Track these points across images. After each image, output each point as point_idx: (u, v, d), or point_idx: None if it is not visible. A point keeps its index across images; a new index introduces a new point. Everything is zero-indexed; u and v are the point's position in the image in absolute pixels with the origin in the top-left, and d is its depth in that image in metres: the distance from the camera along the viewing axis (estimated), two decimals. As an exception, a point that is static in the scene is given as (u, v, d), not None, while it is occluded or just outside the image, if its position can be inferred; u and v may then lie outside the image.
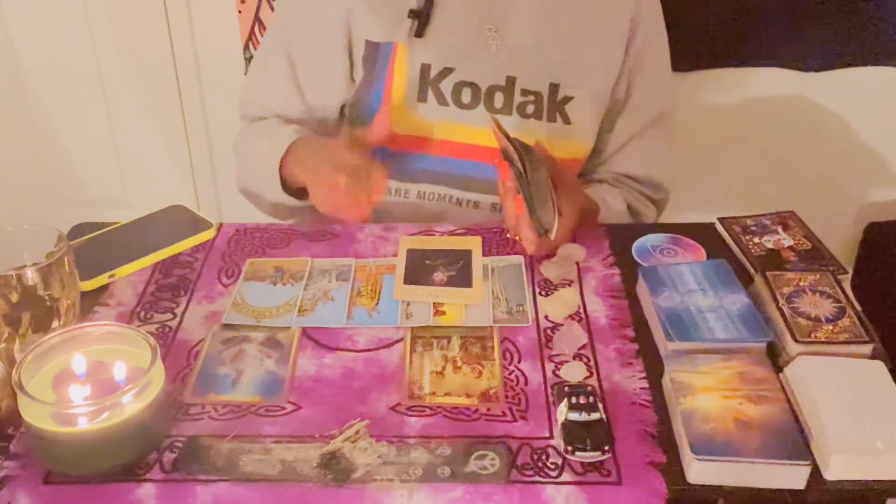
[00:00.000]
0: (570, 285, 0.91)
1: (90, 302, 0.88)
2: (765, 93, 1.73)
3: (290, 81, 1.12)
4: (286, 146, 1.04)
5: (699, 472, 0.68)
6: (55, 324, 0.78)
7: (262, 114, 1.16)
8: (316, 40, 1.10)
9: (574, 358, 0.81)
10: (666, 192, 1.21)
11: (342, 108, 1.16)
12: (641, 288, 0.89)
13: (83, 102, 1.85)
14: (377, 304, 0.89)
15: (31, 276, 0.76)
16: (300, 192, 1.06)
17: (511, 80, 1.07)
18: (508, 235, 0.98)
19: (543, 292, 0.91)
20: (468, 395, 0.77)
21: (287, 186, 1.06)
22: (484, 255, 0.96)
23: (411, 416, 0.74)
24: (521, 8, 1.07)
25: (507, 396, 0.77)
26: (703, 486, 0.68)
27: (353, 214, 0.97)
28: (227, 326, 0.85)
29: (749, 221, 1.01)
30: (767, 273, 0.87)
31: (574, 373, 0.79)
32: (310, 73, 1.12)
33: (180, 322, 0.86)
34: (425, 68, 1.06)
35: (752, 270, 0.93)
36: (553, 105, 1.09)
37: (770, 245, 0.96)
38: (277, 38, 1.13)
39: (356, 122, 1.14)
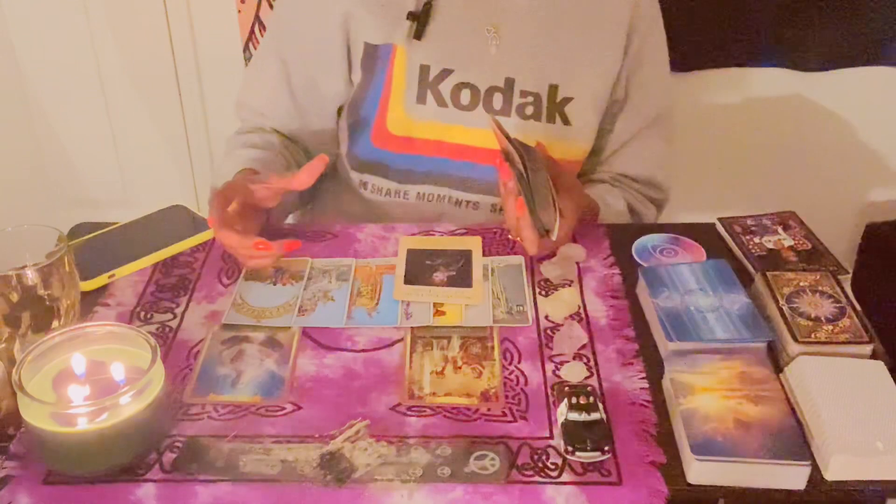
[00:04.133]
0: (570, 285, 0.91)
1: (90, 302, 0.88)
2: (765, 93, 1.73)
3: (283, 85, 1.11)
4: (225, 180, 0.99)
5: (699, 472, 0.68)
6: (55, 324, 0.78)
7: (253, 118, 1.15)
8: (314, 43, 1.10)
9: (574, 358, 0.81)
10: (666, 191, 1.21)
11: (339, 111, 1.16)
12: (641, 288, 0.89)
13: (83, 102, 1.86)
14: (377, 304, 0.88)
15: (31, 276, 0.76)
16: None
17: (510, 82, 1.07)
18: (510, 236, 0.98)
19: (543, 292, 0.91)
20: (468, 395, 0.77)
21: None
22: (484, 255, 0.96)
23: (411, 416, 0.74)
24: (519, 9, 1.07)
25: (507, 396, 0.77)
26: (703, 486, 0.68)
27: (246, 261, 0.92)
28: (227, 326, 0.85)
29: (749, 221, 1.01)
30: (767, 273, 0.87)
31: (574, 373, 0.79)
32: (304, 77, 1.11)
33: (180, 322, 0.86)
34: (424, 70, 1.06)
35: (752, 270, 0.93)
36: (552, 106, 1.09)
37: (770, 245, 0.96)
38: (273, 41, 1.13)
39: (354, 125, 1.14)
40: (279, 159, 1.09)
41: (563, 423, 0.72)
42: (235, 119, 1.19)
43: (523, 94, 1.08)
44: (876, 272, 1.76)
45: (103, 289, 0.91)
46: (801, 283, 0.85)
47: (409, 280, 0.91)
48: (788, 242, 0.96)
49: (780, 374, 0.77)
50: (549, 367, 0.80)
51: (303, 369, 0.80)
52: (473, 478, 0.68)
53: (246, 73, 1.23)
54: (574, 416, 0.72)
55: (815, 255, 0.94)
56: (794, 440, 0.69)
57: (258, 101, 1.14)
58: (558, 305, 0.88)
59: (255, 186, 0.92)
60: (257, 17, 1.43)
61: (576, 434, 0.70)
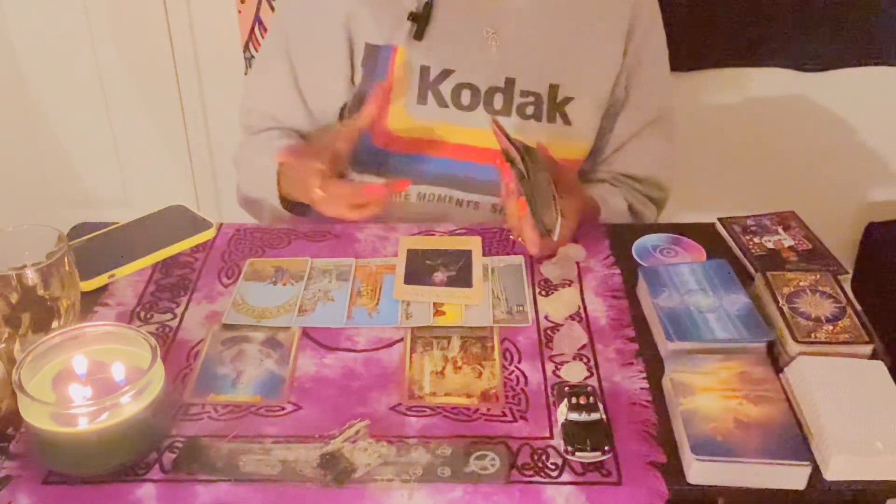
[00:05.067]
0: (570, 285, 0.91)
1: (90, 302, 0.88)
2: (765, 93, 1.73)
3: (292, 86, 1.12)
4: (278, 163, 1.05)
5: (699, 472, 0.68)
6: (55, 324, 0.78)
7: (263, 122, 1.15)
8: (316, 44, 1.10)
9: (574, 358, 0.81)
10: (666, 191, 1.21)
11: (341, 110, 1.16)
12: (641, 288, 0.89)
13: (83, 103, 1.86)
14: (377, 304, 0.88)
15: (31, 276, 0.76)
16: (298, 207, 1.07)
17: (510, 82, 1.07)
18: (511, 236, 0.98)
19: (543, 292, 0.91)
20: (468, 395, 0.77)
21: (286, 201, 1.07)
22: (484, 255, 0.96)
23: (411, 416, 0.74)
24: (520, 9, 1.07)
25: (507, 396, 0.77)
26: (703, 486, 0.68)
27: (355, 214, 0.96)
28: (227, 326, 0.85)
29: (749, 221, 1.01)
30: (767, 273, 0.87)
31: (574, 373, 0.79)
32: (311, 77, 1.12)
33: (180, 322, 0.86)
34: (425, 70, 1.06)
35: (752, 270, 0.93)
36: (553, 106, 1.09)
37: (770, 245, 0.96)
38: (278, 43, 1.13)
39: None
40: None
41: (563, 423, 0.72)
42: (236, 119, 1.19)
43: (524, 94, 1.08)
44: (876, 272, 1.76)
45: (103, 289, 0.91)
46: (801, 283, 0.85)
47: (409, 280, 0.91)
48: (788, 242, 0.96)
49: (780, 374, 0.77)
50: (549, 367, 0.80)
51: (303, 369, 0.80)
52: (473, 478, 0.68)
53: (250, 79, 1.23)
54: (574, 416, 0.72)
55: (815, 255, 0.94)
56: (794, 440, 0.69)
57: (268, 104, 1.15)
58: (558, 305, 0.88)
59: (332, 137, 1.01)
60: (257, 18, 1.43)
61: (576, 434, 0.70)
